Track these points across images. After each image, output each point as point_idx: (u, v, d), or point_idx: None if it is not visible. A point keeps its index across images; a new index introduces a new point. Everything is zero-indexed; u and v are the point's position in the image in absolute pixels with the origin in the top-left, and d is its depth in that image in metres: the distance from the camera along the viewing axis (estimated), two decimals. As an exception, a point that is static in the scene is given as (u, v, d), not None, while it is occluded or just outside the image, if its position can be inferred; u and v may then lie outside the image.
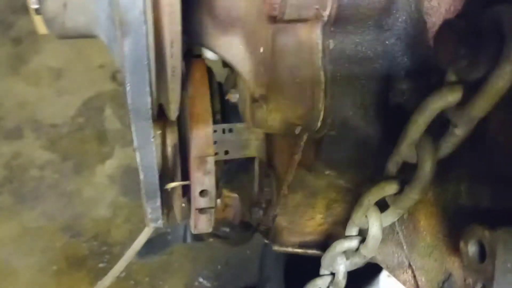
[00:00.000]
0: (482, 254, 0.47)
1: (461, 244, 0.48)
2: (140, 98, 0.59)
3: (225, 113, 0.90)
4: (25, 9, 2.70)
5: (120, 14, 0.52)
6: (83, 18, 0.63)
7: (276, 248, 0.93)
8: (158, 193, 0.78)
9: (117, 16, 0.53)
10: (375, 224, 0.59)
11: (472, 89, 0.46)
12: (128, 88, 0.58)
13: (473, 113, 0.46)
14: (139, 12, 0.52)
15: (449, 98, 0.48)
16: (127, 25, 0.52)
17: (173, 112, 0.70)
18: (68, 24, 0.64)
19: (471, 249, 0.48)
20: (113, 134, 2.56)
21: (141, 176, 0.74)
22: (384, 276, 1.47)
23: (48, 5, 0.63)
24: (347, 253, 0.67)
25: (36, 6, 0.66)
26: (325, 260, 0.69)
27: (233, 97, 0.84)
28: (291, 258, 1.76)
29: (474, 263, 0.47)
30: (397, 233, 0.66)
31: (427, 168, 0.51)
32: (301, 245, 0.90)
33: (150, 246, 2.13)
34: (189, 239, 2.11)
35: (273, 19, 0.56)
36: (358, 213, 0.60)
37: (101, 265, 2.19)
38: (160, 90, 0.64)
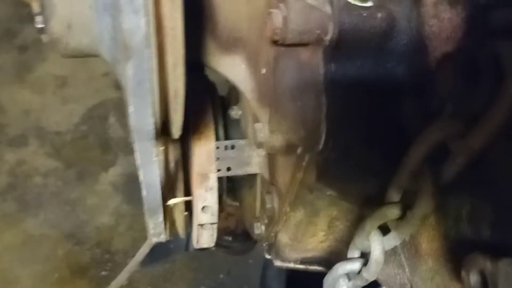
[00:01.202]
0: (484, 284, 0.46)
1: (463, 273, 0.48)
2: (142, 119, 0.60)
3: (227, 127, 0.91)
4: (31, 17, 2.72)
5: (124, 38, 0.52)
6: (87, 39, 0.64)
7: (278, 263, 0.93)
8: (161, 209, 0.79)
9: (120, 40, 0.54)
10: (377, 248, 0.59)
11: (472, 121, 0.46)
12: (131, 110, 0.58)
13: (473, 145, 0.46)
14: (143, 36, 0.52)
15: (449, 130, 0.49)
16: (131, 49, 0.53)
17: (176, 131, 0.71)
18: (72, 44, 0.65)
19: (473, 278, 0.47)
20: (117, 142, 2.58)
21: (144, 193, 0.74)
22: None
23: (52, 26, 0.63)
24: (349, 275, 0.67)
25: (41, 26, 0.66)
26: (327, 282, 0.69)
27: (235, 113, 0.85)
28: (293, 270, 1.75)
29: (476, 293, 0.47)
30: (399, 255, 0.66)
31: (428, 196, 0.51)
32: (302, 261, 0.90)
33: (153, 255, 2.13)
34: (191, 248, 2.11)
35: (275, 43, 0.56)
36: (360, 237, 0.61)
37: (103, 273, 2.19)
38: (163, 110, 0.64)
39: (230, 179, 1.00)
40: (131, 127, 0.62)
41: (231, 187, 1.08)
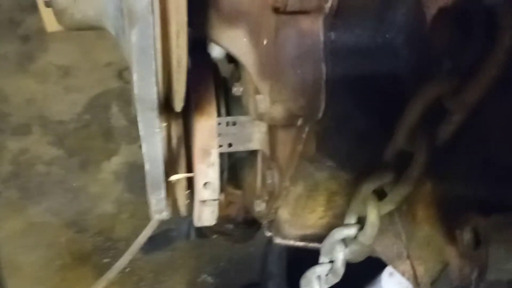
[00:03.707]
0: (477, 241, 0.48)
1: (457, 232, 0.49)
2: (146, 88, 0.61)
3: (229, 103, 0.92)
4: (33, 7, 2.73)
5: (128, 4, 0.54)
6: (92, 10, 0.65)
7: (278, 240, 0.94)
8: (163, 185, 0.80)
9: (125, 6, 0.55)
10: (373, 211, 0.60)
11: (466, 76, 0.47)
12: (135, 78, 0.60)
13: (468, 99, 0.47)
14: (147, 2, 0.53)
15: (445, 85, 0.50)
16: (135, 14, 0.54)
17: (178, 103, 0.72)
18: (77, 16, 0.66)
19: (466, 236, 0.49)
20: (119, 131, 2.59)
21: (146, 167, 0.75)
22: (385, 276, 1.48)
23: (58, -3, 0.64)
24: (346, 241, 0.68)
25: (47, -1, 0.68)
26: (324, 248, 0.70)
27: (237, 90, 0.86)
28: (294, 255, 1.77)
29: (469, 250, 0.48)
30: (396, 224, 0.67)
31: (423, 155, 0.52)
32: (302, 238, 0.91)
33: (155, 243, 2.15)
34: (193, 236, 2.13)
35: (276, 11, 0.57)
36: (356, 201, 0.62)
37: (105, 260, 2.20)
38: (166, 80, 0.65)
39: (232, 165, 1.01)
40: (134, 96, 0.63)
41: (232, 174, 1.09)
